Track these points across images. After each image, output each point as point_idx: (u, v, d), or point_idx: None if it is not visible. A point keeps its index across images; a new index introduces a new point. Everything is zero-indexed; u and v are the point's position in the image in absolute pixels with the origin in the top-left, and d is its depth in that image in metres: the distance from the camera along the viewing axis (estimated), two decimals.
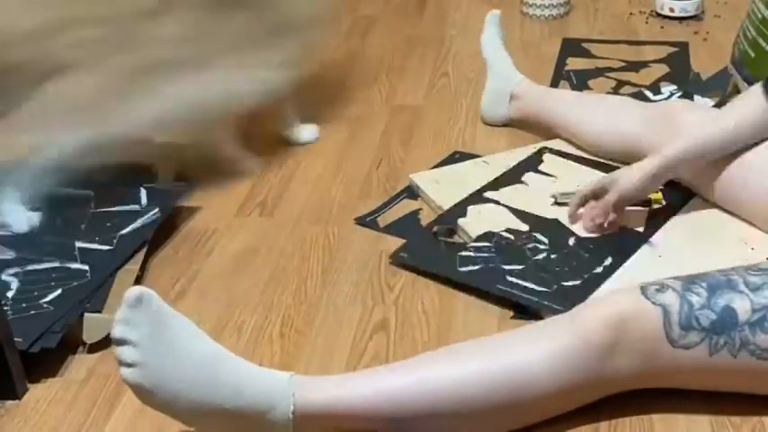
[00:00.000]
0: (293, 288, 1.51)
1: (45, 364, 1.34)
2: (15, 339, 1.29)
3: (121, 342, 1.09)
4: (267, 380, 1.12)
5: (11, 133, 1.58)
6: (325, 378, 1.17)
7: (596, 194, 1.54)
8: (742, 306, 1.13)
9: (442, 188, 1.73)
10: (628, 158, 1.69)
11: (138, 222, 1.61)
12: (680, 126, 1.57)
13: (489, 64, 1.99)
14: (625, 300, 1.15)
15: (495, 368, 1.12)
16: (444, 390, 1.12)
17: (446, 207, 1.66)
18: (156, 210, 1.64)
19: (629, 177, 1.51)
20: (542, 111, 1.89)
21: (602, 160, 1.77)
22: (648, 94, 2.08)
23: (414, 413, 1.12)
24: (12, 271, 1.49)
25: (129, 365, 1.09)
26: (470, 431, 1.15)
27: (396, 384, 1.13)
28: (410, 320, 1.41)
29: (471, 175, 1.77)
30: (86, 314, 1.38)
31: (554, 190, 1.67)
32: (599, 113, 1.79)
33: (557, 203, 1.64)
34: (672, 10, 2.56)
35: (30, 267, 1.50)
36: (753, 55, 1.94)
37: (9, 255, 1.54)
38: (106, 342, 1.38)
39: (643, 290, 1.17)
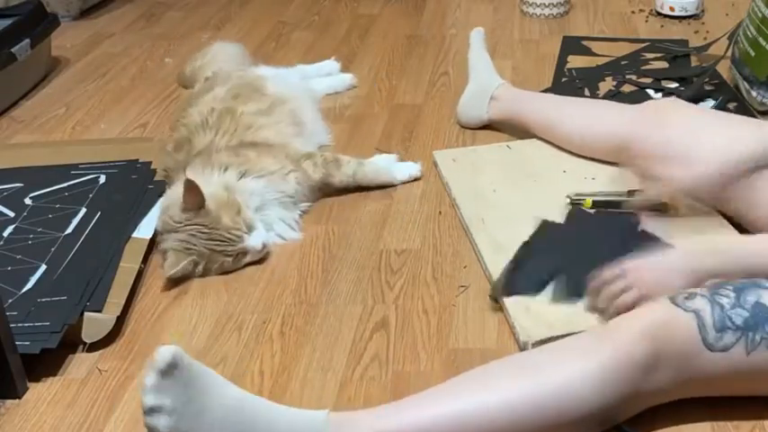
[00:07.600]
0: (293, 287, 1.51)
1: (45, 363, 1.34)
2: (18, 343, 1.29)
3: (155, 410, 1.02)
4: (301, 419, 1.08)
5: None
6: (363, 413, 1.13)
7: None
8: None
9: (456, 167, 1.78)
10: (613, 157, 1.68)
11: (139, 221, 1.61)
12: (670, 126, 1.56)
13: (472, 67, 1.99)
14: (655, 310, 1.15)
15: (538, 391, 1.09)
16: (487, 417, 1.09)
17: (451, 185, 1.71)
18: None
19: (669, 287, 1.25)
20: (522, 111, 1.88)
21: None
22: (650, 91, 2.08)
23: None
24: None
25: None
26: None
27: (437, 414, 1.09)
28: (410, 320, 1.41)
29: (489, 158, 1.80)
30: (86, 314, 1.38)
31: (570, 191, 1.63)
32: (582, 114, 1.79)
33: (571, 203, 1.60)
34: (672, 9, 2.56)
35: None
36: (753, 54, 1.94)
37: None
38: (106, 341, 1.38)
39: (672, 299, 1.16)
